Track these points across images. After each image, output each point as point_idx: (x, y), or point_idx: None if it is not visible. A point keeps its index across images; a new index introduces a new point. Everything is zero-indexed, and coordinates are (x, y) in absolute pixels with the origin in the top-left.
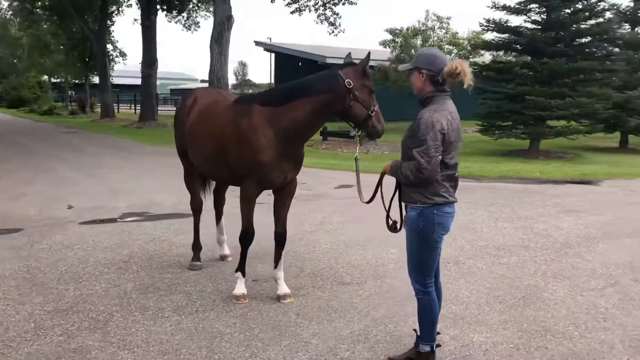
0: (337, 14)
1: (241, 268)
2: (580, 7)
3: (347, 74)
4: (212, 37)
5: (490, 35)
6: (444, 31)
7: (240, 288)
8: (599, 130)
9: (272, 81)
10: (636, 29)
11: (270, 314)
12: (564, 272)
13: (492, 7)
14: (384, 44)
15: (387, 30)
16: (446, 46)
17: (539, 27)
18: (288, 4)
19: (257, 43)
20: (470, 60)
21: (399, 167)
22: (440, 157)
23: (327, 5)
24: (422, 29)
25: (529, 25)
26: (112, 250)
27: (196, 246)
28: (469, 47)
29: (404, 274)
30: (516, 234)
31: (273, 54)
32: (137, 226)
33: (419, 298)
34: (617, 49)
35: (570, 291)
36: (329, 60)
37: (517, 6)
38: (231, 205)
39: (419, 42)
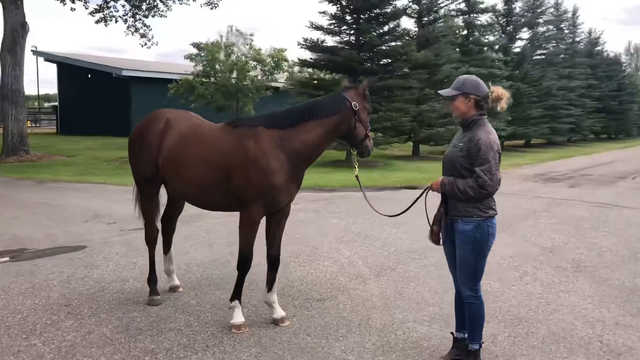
0: (148, 26)
1: (238, 296)
2: (386, 29)
3: (352, 96)
4: (2, 46)
5: (301, 54)
6: (247, 47)
7: (239, 317)
8: (403, 141)
9: (40, 91)
10: (422, 51)
11: (284, 338)
12: None
13: (310, 27)
14: (189, 57)
15: (192, 44)
16: (251, 62)
17: (352, 48)
18: (92, 13)
19: (36, 52)
20: (276, 76)
21: (453, 184)
22: (499, 174)
23: (136, 16)
24: (226, 43)
25: (343, 46)
26: (34, 294)
27: (152, 279)
28: (272, 64)
29: (359, 285)
30: (409, 237)
31: (55, 65)
32: (31, 266)
33: (469, 303)
34: (406, 70)
35: (502, 284)
36: (125, 73)
37: (329, 27)
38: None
39: (222, 56)
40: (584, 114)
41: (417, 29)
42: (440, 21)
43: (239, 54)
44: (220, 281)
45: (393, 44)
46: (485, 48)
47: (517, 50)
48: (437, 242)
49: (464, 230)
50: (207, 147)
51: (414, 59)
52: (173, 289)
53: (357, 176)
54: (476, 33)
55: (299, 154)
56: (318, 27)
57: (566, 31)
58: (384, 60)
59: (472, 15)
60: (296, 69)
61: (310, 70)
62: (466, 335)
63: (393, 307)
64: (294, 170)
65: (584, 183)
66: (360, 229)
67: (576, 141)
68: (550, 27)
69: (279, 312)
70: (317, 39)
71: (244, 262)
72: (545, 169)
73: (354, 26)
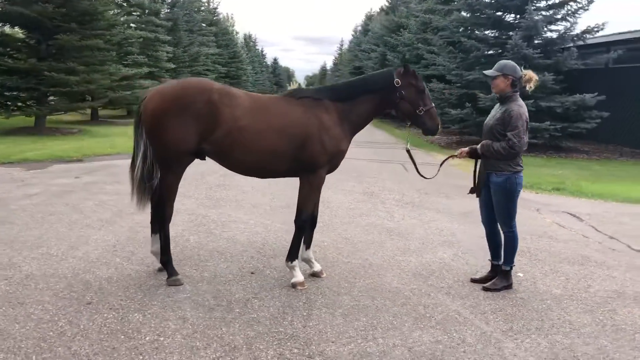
0: None
1: (296, 255)
2: None
3: (397, 73)
4: None
5: None
6: None
7: (300, 275)
8: (102, 105)
9: None
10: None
11: (359, 284)
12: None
13: None
14: None
15: None
16: None
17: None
18: None
19: None
20: None
21: (489, 146)
22: (526, 138)
23: None
24: None
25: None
26: (36, 291)
27: (169, 260)
28: None
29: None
30: (259, 197)
31: None
32: None
33: (506, 236)
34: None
35: (390, 219)
36: None
37: None
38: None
39: None
40: (217, 79)
41: None
42: None
43: None
44: (189, 253)
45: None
46: (147, 11)
47: (165, 16)
48: (474, 192)
49: (497, 181)
50: (281, 118)
51: (106, 19)
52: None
53: (407, 150)
54: None
55: (354, 124)
56: None
57: None
58: (82, 18)
59: None
60: None
61: None
62: (500, 262)
63: (363, 250)
64: (350, 138)
65: None
66: (221, 195)
67: None
68: None
69: (317, 266)
70: None
71: (305, 223)
72: None
73: None
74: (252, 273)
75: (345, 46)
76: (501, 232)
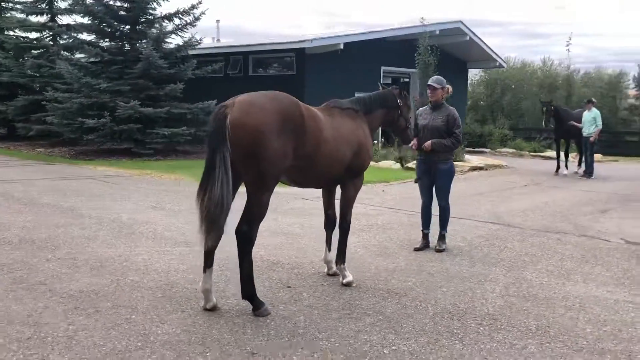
0: None
1: (345, 257)
2: None
3: (397, 95)
4: None
5: None
6: None
7: (350, 274)
8: None
9: None
10: None
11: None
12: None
13: None
14: None
15: None
16: None
17: None
18: None
19: None
20: None
21: (441, 142)
22: None
23: None
24: None
25: None
26: None
27: (254, 289)
28: None
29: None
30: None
31: None
32: None
33: (444, 208)
34: None
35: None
36: None
37: None
38: None
39: None
40: None
41: None
42: None
43: None
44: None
45: None
46: None
47: None
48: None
49: (443, 168)
50: (343, 128)
51: None
52: (214, 308)
53: (400, 158)
54: None
55: (371, 133)
56: None
57: None
58: None
59: None
60: None
61: None
62: (429, 231)
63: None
64: None
65: None
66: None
67: None
68: None
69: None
70: None
71: (349, 224)
72: None
73: None
74: (288, 287)
75: None
76: (438, 206)
